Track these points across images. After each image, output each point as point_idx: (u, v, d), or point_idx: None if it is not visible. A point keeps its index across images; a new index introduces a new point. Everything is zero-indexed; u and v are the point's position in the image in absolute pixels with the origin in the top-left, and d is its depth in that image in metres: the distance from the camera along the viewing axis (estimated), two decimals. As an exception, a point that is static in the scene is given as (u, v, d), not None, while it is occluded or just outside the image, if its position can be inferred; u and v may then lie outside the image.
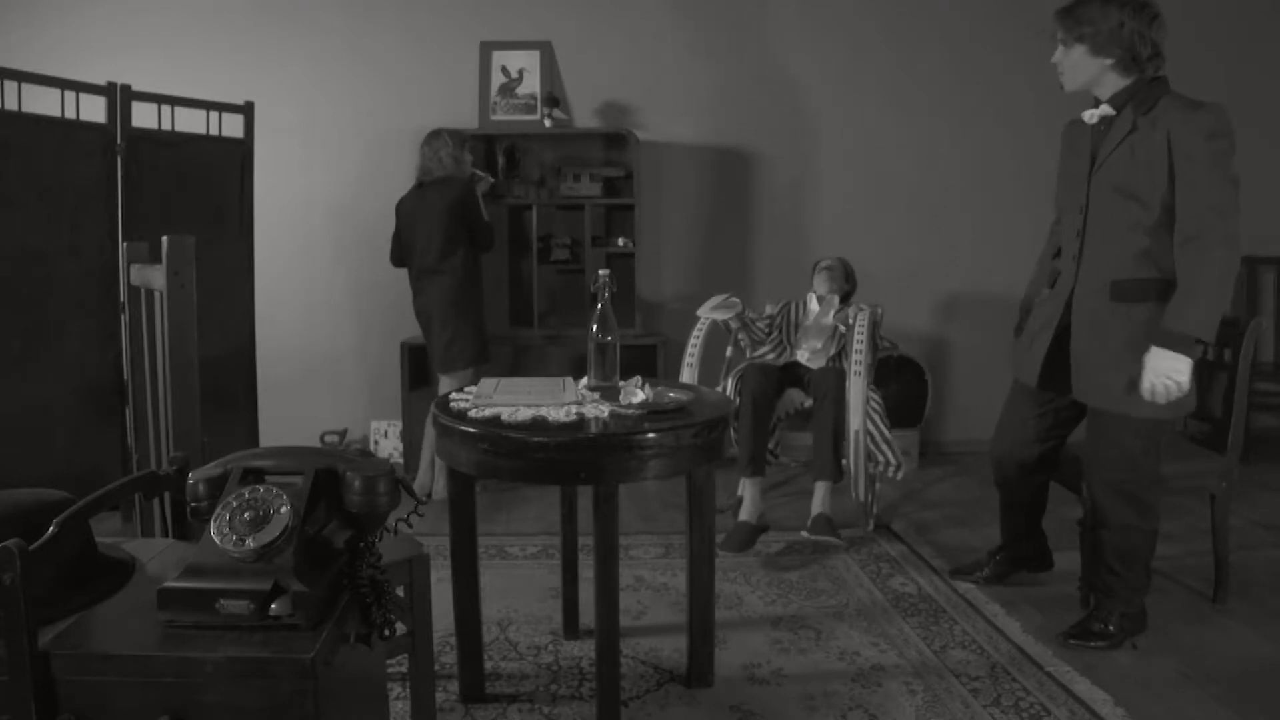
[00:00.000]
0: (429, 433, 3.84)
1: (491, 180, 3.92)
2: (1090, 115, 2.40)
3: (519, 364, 4.62)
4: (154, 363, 1.78)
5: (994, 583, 2.89)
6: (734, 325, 3.70)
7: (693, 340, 3.56)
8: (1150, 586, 2.54)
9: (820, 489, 3.27)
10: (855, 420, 3.22)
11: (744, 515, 3.24)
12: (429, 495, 3.82)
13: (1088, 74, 2.34)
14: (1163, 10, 2.31)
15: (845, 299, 3.76)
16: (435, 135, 3.74)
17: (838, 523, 3.26)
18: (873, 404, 3.30)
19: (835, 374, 3.34)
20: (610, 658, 2.01)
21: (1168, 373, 2.20)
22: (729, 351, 3.80)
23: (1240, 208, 2.23)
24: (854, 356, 3.29)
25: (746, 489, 3.30)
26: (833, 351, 3.57)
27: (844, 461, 3.29)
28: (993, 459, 2.77)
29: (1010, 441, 2.69)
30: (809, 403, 3.46)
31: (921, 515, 3.71)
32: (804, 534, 3.19)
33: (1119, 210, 2.33)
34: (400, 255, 3.86)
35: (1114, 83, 2.32)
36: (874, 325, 3.44)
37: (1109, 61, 2.29)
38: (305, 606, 1.06)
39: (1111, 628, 2.48)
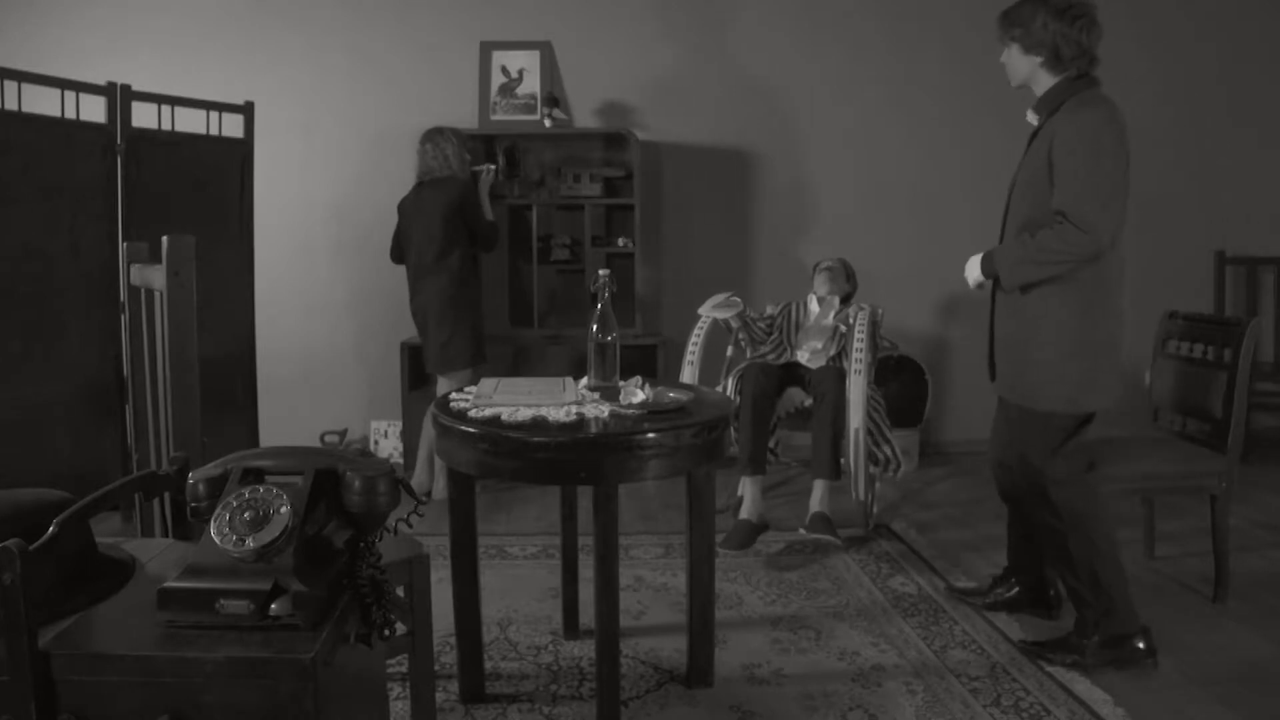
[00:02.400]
0: (427, 431, 3.84)
1: (493, 168, 3.90)
2: (1030, 117, 2.48)
3: (519, 364, 4.61)
4: (154, 363, 1.78)
5: (994, 609, 2.71)
6: (734, 324, 3.70)
7: (693, 339, 3.56)
8: (1122, 614, 2.34)
9: (818, 487, 3.28)
10: (856, 419, 3.22)
11: (744, 514, 3.24)
12: (428, 495, 3.81)
13: (1023, 72, 2.42)
14: (1100, 16, 2.36)
15: (846, 300, 3.76)
16: (438, 133, 3.74)
17: (837, 522, 3.26)
18: (873, 403, 3.31)
19: (836, 373, 3.34)
20: (610, 658, 2.01)
21: (969, 269, 2.56)
22: (729, 351, 3.80)
23: (1113, 207, 2.23)
24: (854, 355, 3.29)
25: (747, 487, 3.30)
26: (833, 352, 3.57)
27: (842, 461, 3.29)
28: (991, 462, 2.74)
29: (995, 445, 2.69)
30: (809, 402, 3.46)
31: (921, 515, 3.71)
32: (801, 531, 3.19)
33: (1021, 210, 2.41)
34: (399, 252, 3.87)
35: (1046, 81, 2.38)
36: (874, 324, 3.44)
37: (1038, 60, 2.37)
38: (305, 606, 1.06)
39: (1086, 645, 2.35)
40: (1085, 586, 2.36)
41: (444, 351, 3.72)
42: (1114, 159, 2.23)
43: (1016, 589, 2.71)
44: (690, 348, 3.54)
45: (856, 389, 3.23)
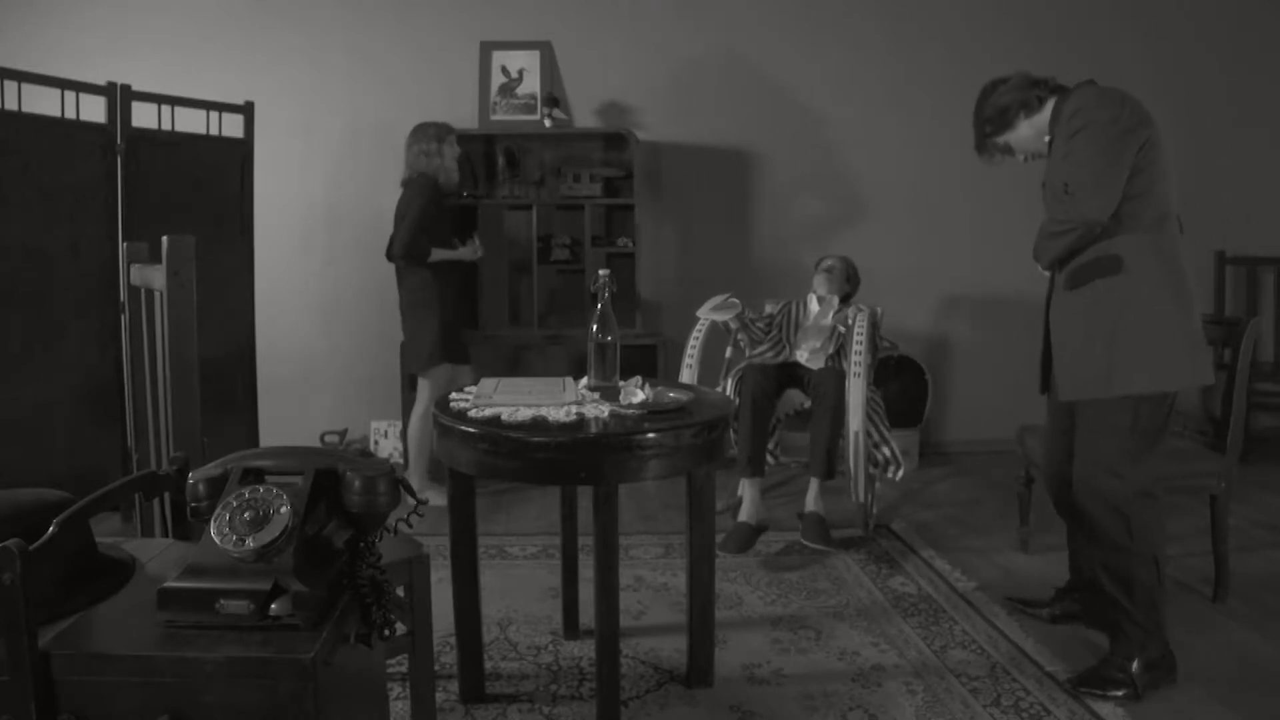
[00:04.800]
0: (415, 435, 3.81)
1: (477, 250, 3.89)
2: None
3: (519, 364, 4.61)
4: (154, 363, 1.78)
5: (1051, 623, 2.64)
6: (733, 325, 3.69)
7: (692, 341, 3.55)
8: (1162, 635, 2.27)
9: (813, 486, 3.29)
10: (855, 421, 3.22)
11: (743, 516, 3.24)
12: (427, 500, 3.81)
13: (1027, 134, 2.43)
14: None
15: (846, 299, 3.76)
16: (415, 131, 3.71)
17: (836, 522, 3.25)
18: (872, 404, 3.30)
19: (835, 375, 3.34)
20: (610, 658, 2.01)
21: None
22: (728, 352, 3.79)
23: (1097, 180, 2.17)
24: (854, 357, 3.28)
25: (746, 489, 3.30)
26: (831, 351, 3.56)
27: (840, 467, 3.28)
28: (1045, 477, 2.64)
29: (1049, 459, 2.58)
30: (808, 403, 3.46)
31: (921, 515, 3.71)
32: (800, 538, 3.19)
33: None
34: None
35: (1045, 118, 2.39)
36: (873, 325, 3.44)
37: (1022, 118, 2.41)
38: (305, 606, 1.06)
39: (1132, 674, 2.22)
40: (1139, 609, 2.23)
41: (406, 351, 3.78)
42: (1107, 127, 2.18)
43: (1080, 603, 2.63)
44: (689, 350, 3.53)
45: (856, 391, 3.23)
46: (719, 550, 2.90)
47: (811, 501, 3.28)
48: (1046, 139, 2.39)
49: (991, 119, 2.46)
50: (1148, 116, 2.23)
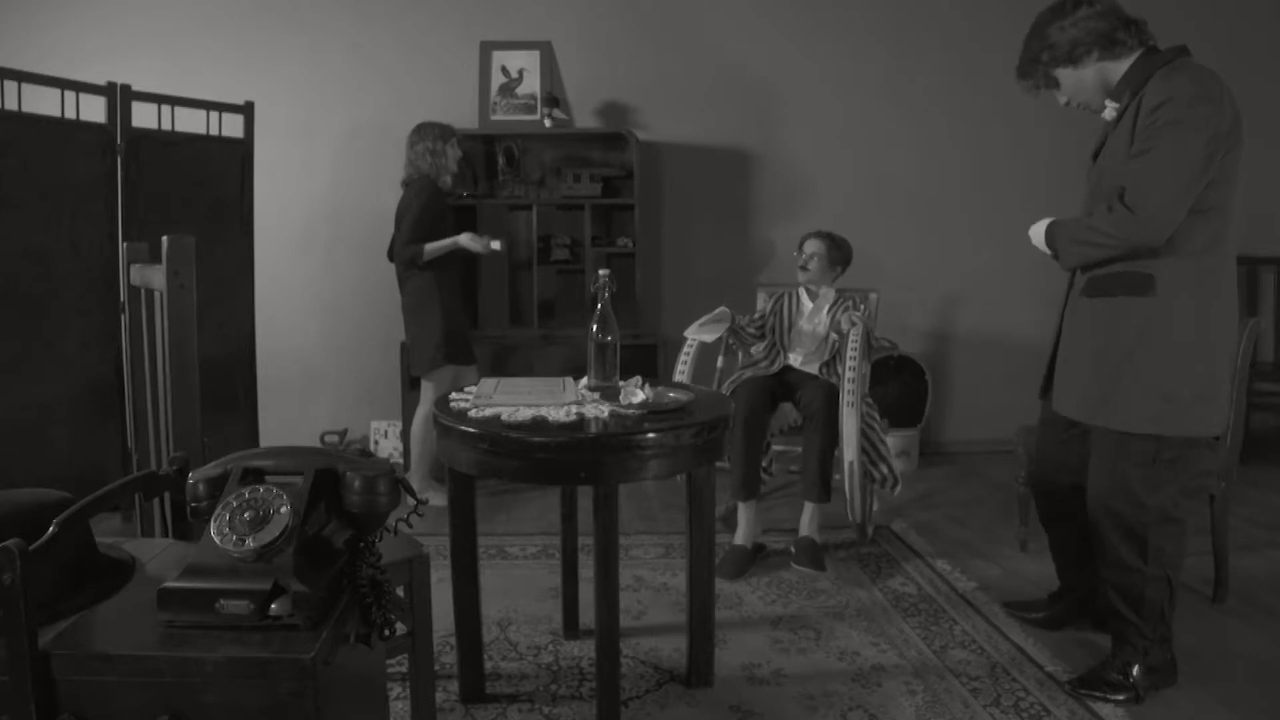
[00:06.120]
0: (425, 437, 3.78)
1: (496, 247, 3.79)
2: (1108, 112, 2.19)
3: (517, 364, 4.61)
4: (154, 363, 1.78)
5: (1047, 627, 2.58)
6: (724, 336, 3.57)
7: (681, 360, 3.39)
8: (1171, 636, 2.23)
9: (808, 509, 3.19)
10: (850, 451, 3.12)
11: (739, 539, 3.16)
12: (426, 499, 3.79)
13: (1091, 82, 2.15)
14: (1152, 5, 2.14)
15: (845, 267, 3.59)
16: (415, 131, 3.68)
17: (836, 522, 3.22)
18: (868, 419, 3.21)
19: (826, 391, 3.20)
20: (610, 658, 2.01)
21: (1034, 233, 2.24)
22: (720, 361, 3.68)
23: (1182, 196, 1.97)
24: (847, 385, 3.16)
25: (740, 512, 3.19)
26: (826, 357, 3.44)
27: (835, 477, 3.21)
28: (1032, 484, 2.56)
29: (1040, 468, 2.50)
30: (802, 420, 3.37)
31: (921, 515, 3.71)
32: (792, 564, 3.12)
33: (1100, 203, 2.13)
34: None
35: (1118, 71, 2.13)
36: (867, 339, 3.28)
37: (1094, 58, 2.12)
38: (305, 606, 1.06)
39: (1133, 678, 2.18)
40: (1148, 623, 2.17)
41: (409, 353, 3.78)
42: (1199, 131, 1.94)
43: (1073, 605, 2.59)
44: (678, 370, 3.38)
45: (849, 420, 3.12)
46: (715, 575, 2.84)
47: (806, 525, 3.18)
48: (1109, 104, 2.13)
49: (1056, 45, 2.11)
50: (1239, 115, 1.99)
